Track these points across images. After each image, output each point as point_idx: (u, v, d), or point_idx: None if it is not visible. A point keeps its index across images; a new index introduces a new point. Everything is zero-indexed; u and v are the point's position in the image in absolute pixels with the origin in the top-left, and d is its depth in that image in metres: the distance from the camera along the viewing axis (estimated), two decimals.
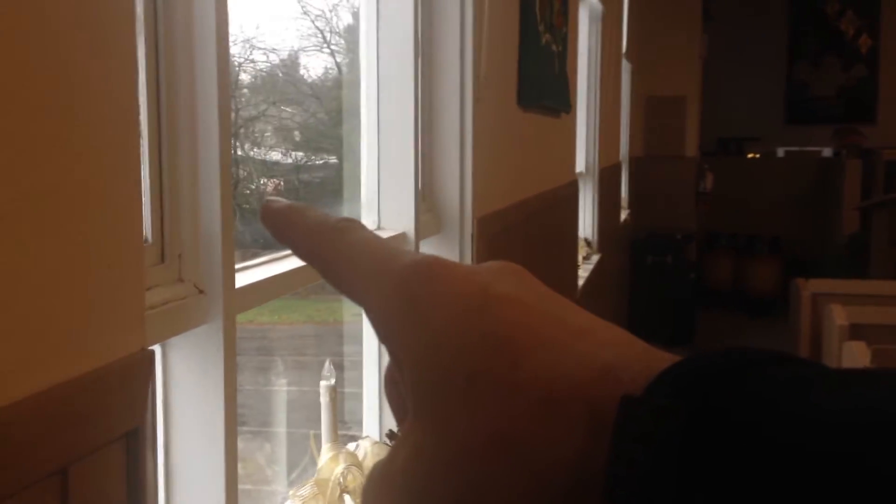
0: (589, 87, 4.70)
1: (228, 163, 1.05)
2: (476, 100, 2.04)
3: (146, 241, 1.00)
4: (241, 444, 1.80)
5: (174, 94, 1.02)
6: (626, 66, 7.18)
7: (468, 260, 2.04)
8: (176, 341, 1.05)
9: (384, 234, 1.79)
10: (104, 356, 0.75)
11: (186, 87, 1.02)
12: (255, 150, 1.86)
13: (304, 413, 1.89)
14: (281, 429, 1.89)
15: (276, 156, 1.89)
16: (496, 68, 2.27)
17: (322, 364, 1.49)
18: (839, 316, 4.97)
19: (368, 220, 1.85)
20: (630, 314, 8.12)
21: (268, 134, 1.85)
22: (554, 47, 3.01)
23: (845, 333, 4.83)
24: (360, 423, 1.93)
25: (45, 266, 0.69)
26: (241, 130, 1.79)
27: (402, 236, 1.81)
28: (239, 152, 1.78)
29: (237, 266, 1.22)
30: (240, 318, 1.80)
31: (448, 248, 2.03)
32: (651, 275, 8.17)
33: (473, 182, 2.03)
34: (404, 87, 1.81)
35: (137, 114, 0.80)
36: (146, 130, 1.00)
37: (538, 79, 2.76)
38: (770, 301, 9.29)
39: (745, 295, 9.52)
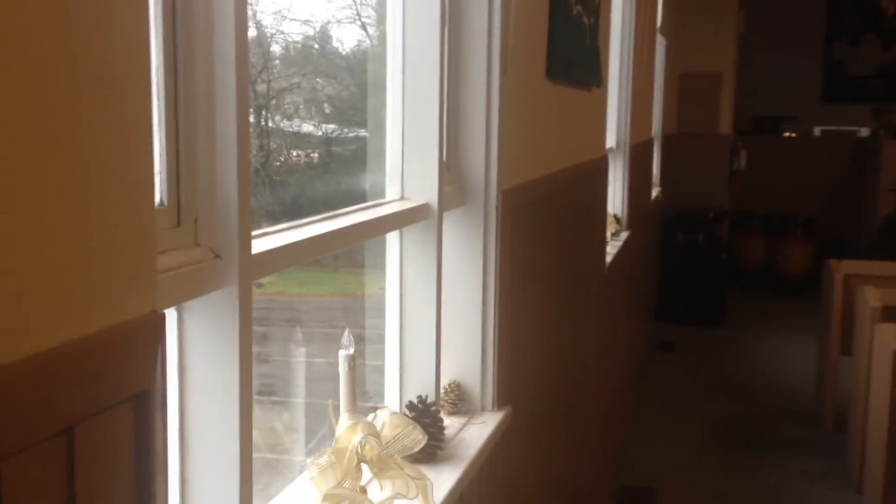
0: (621, 62, 4.65)
1: (246, 127, 1.04)
2: (503, 71, 2.01)
3: (162, 204, 1.00)
4: (267, 414, 1.81)
5: (191, 56, 1.01)
6: (660, 41, 7.09)
7: (492, 232, 2.02)
8: (192, 305, 1.04)
9: (407, 205, 1.78)
10: (112, 317, 0.75)
11: (204, 49, 1.01)
12: (285, 122, 1.84)
13: (333, 384, 1.89)
14: (309, 399, 1.90)
15: (307, 128, 1.88)
16: (524, 39, 2.25)
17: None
18: (872, 297, 4.91)
19: (392, 191, 1.84)
20: (660, 293, 8.06)
21: (301, 106, 1.83)
22: (585, 19, 2.98)
23: (878, 315, 4.78)
24: (383, 396, 1.93)
25: (50, 225, 0.68)
26: (273, 102, 1.78)
27: (425, 207, 1.80)
28: (270, 124, 1.76)
29: (255, 232, 1.21)
30: (270, 288, 1.80)
31: (472, 220, 2.02)
32: (682, 254, 8.10)
33: (499, 154, 2.01)
34: (430, 57, 1.79)
35: (148, 71, 0.79)
36: (163, 93, 1.00)
37: (568, 51, 2.73)
38: (801, 282, 9.19)
39: (777, 276, 9.42)
